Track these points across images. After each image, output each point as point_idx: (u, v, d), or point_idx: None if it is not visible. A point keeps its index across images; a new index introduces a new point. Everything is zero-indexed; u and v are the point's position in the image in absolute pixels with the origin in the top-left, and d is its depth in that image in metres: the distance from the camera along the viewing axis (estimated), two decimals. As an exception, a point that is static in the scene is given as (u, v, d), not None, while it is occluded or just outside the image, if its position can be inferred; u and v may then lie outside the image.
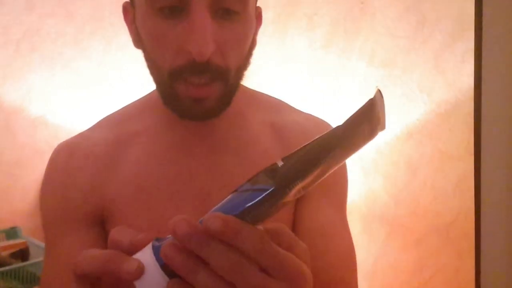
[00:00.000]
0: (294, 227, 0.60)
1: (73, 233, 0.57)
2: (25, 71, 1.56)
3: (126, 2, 0.58)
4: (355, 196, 1.63)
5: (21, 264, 1.30)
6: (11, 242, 1.41)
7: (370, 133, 0.35)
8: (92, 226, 0.58)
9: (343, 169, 0.66)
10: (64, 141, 0.63)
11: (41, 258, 1.32)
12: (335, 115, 1.66)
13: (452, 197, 1.47)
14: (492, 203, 1.33)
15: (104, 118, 0.65)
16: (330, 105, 1.68)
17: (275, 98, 0.68)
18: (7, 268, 1.26)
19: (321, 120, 0.67)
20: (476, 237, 1.36)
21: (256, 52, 0.59)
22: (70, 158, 0.60)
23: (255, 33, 0.58)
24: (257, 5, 0.59)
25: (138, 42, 0.57)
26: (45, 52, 1.59)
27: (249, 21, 0.54)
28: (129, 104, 0.67)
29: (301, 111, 0.67)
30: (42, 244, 1.40)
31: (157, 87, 0.56)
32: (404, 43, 1.53)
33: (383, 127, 0.35)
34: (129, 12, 0.57)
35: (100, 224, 0.59)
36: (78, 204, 0.58)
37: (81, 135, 0.63)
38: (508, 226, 1.30)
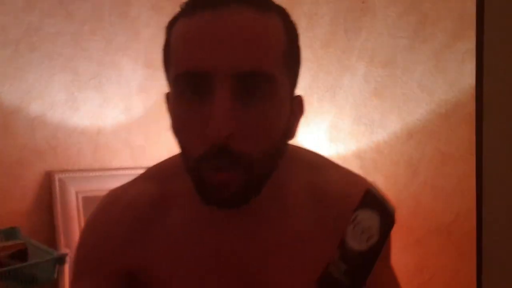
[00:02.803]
0: None
1: (92, 284, 0.58)
2: (25, 71, 1.56)
3: (168, 92, 0.57)
4: (355, 196, 1.63)
5: (19, 265, 1.29)
6: (10, 242, 1.41)
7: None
8: (114, 283, 0.58)
9: None
10: (113, 189, 0.64)
11: (39, 259, 1.32)
12: (335, 115, 1.66)
13: (452, 197, 1.47)
14: (494, 203, 1.32)
15: (151, 169, 0.65)
16: (329, 105, 1.68)
17: (314, 154, 0.66)
18: (5, 268, 1.25)
19: (359, 178, 0.65)
20: (477, 237, 1.36)
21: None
22: (111, 210, 0.61)
23: (294, 123, 0.56)
24: (296, 92, 0.56)
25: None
26: (45, 52, 1.59)
27: (279, 106, 0.51)
28: (172, 158, 0.64)
29: (340, 168, 0.65)
30: (41, 245, 1.40)
31: (188, 174, 0.54)
32: (405, 43, 1.53)
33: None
34: (169, 100, 0.56)
35: (124, 282, 0.58)
36: (108, 260, 0.58)
37: (127, 186, 0.63)
38: (509, 226, 1.29)
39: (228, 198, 0.50)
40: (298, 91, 0.57)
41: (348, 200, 0.58)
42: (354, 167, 1.60)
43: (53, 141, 1.61)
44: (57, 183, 1.57)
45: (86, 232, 0.62)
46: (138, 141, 1.77)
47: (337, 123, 1.68)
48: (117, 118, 1.74)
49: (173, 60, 0.52)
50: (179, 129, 0.53)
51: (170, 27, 0.53)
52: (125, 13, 1.75)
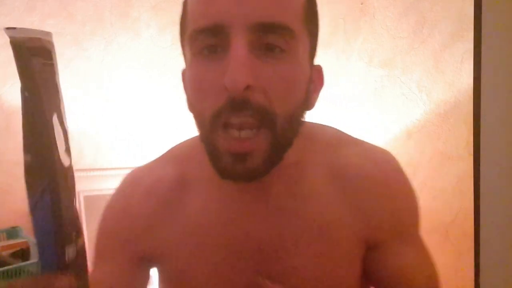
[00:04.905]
0: (374, 275, 0.58)
1: (114, 266, 0.58)
2: (26, 71, 1.57)
3: (184, 69, 0.55)
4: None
5: (22, 263, 1.30)
6: (12, 241, 1.41)
7: None
8: (136, 265, 0.58)
9: (411, 203, 0.64)
10: (135, 170, 0.63)
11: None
12: (334, 115, 1.67)
13: (451, 197, 1.48)
14: (491, 202, 1.33)
15: (169, 151, 0.64)
16: (329, 105, 1.69)
17: (332, 131, 0.63)
18: (7, 267, 1.26)
19: (380, 154, 0.61)
20: (476, 236, 1.37)
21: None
22: (133, 192, 0.60)
23: (313, 93, 0.53)
24: (315, 63, 0.53)
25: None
26: (46, 52, 1.60)
27: (297, 64, 0.48)
28: (192, 139, 0.62)
29: (361, 143, 0.61)
30: (43, 244, 1.40)
31: (203, 144, 0.51)
32: (404, 44, 1.53)
33: None
34: (184, 75, 0.55)
35: (146, 264, 0.59)
36: (130, 243, 0.58)
37: (148, 167, 0.62)
38: (507, 226, 1.30)
39: (247, 170, 0.46)
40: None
41: (366, 179, 0.57)
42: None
43: (54, 141, 1.62)
44: (58, 183, 1.58)
45: (108, 216, 0.61)
46: (139, 141, 1.78)
47: (337, 124, 1.68)
48: (118, 118, 1.74)
49: (190, 21, 0.49)
50: (196, 90, 0.49)
51: None
52: (126, 14, 1.75)
